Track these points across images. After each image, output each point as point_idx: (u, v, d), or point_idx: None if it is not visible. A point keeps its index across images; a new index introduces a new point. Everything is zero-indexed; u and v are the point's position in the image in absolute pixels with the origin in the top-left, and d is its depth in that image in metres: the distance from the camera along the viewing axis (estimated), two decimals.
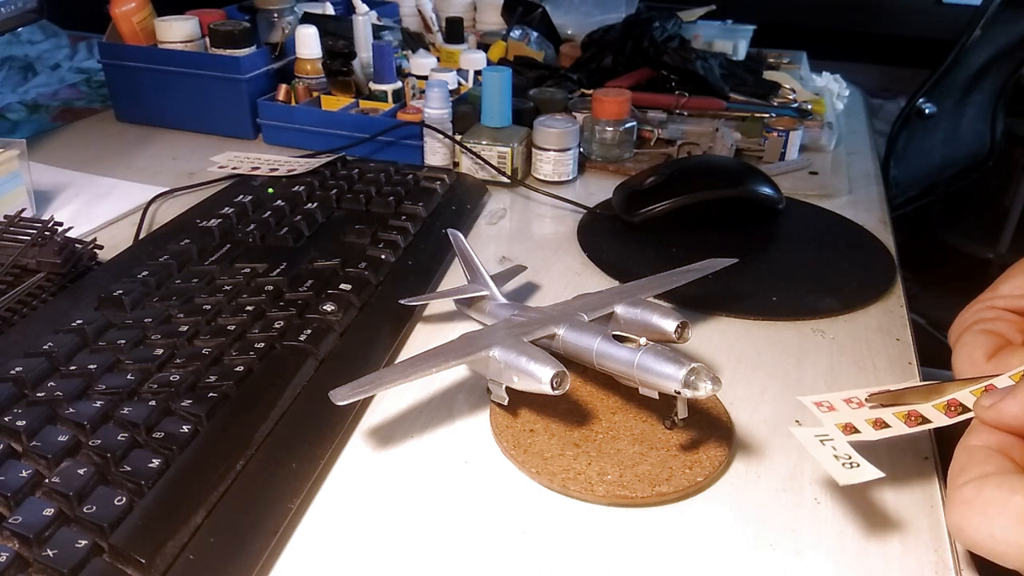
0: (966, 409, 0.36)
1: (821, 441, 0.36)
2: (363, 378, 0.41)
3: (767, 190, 0.69)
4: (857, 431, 0.37)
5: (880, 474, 0.34)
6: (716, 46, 1.12)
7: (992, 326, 0.43)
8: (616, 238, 0.68)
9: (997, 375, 0.37)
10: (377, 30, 0.96)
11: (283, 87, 0.88)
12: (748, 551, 0.37)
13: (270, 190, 0.69)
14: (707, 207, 0.67)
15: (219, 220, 0.62)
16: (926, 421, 0.37)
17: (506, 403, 0.44)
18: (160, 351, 0.45)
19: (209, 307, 0.49)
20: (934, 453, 0.44)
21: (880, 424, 0.37)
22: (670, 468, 0.41)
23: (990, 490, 0.30)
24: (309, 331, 0.48)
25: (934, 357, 0.54)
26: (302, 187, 0.69)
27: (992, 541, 0.29)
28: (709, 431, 0.43)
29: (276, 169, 0.73)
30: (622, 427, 0.44)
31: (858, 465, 0.34)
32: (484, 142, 0.77)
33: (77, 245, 0.57)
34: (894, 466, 0.42)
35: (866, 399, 0.39)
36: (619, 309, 0.47)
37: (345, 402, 0.39)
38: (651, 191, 0.67)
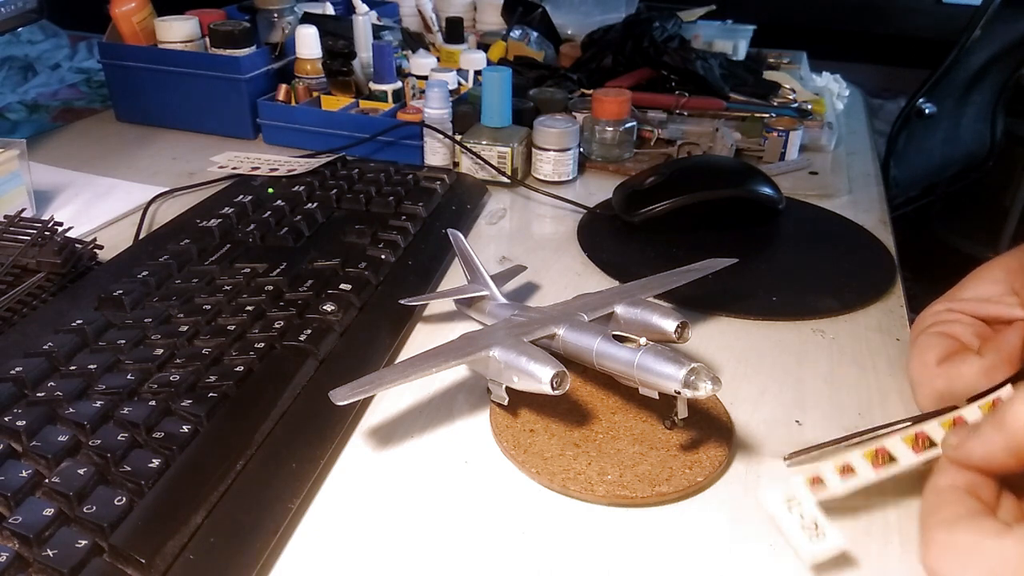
0: (933, 444, 0.37)
1: (789, 508, 0.36)
2: (363, 378, 0.41)
3: (767, 190, 0.69)
4: (823, 484, 0.37)
5: (843, 544, 0.35)
6: (716, 46, 1.12)
7: (948, 328, 0.42)
8: (616, 238, 0.68)
9: (965, 407, 0.37)
10: (377, 30, 0.96)
11: (283, 87, 0.88)
12: (748, 551, 0.37)
13: (270, 190, 0.69)
14: (707, 207, 0.66)
15: (219, 220, 0.62)
16: (893, 460, 0.37)
17: (506, 403, 0.44)
18: (160, 351, 0.45)
19: (209, 307, 0.49)
20: None
21: (847, 470, 0.37)
22: (670, 468, 0.41)
23: (962, 535, 0.31)
24: (309, 331, 0.48)
25: None
26: (302, 187, 0.69)
27: None
28: (709, 431, 0.43)
29: (276, 169, 0.73)
30: (622, 427, 0.44)
31: (824, 535, 0.35)
32: (484, 142, 0.77)
33: (77, 245, 0.57)
34: None
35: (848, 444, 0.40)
36: (619, 309, 0.47)
37: (345, 402, 0.39)
38: (651, 191, 0.67)
